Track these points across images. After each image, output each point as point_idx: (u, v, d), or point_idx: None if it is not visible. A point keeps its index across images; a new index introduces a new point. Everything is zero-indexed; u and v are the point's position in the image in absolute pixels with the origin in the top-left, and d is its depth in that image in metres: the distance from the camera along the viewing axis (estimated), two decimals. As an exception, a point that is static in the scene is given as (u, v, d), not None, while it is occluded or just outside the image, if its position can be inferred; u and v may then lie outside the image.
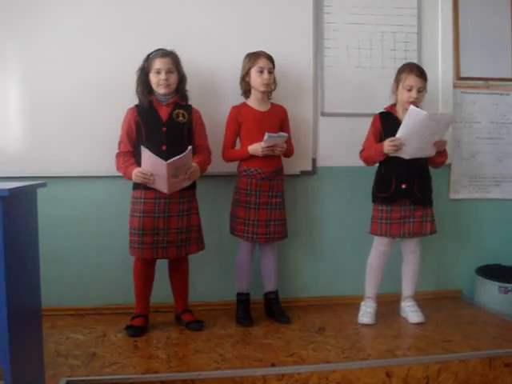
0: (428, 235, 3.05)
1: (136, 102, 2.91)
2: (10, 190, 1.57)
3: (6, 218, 1.59)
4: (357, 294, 3.21)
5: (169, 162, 2.62)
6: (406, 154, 2.88)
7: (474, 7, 3.51)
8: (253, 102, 3.05)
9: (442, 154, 3.00)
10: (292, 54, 3.25)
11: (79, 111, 3.10)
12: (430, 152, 2.92)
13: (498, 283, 3.31)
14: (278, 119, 3.07)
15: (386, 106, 3.09)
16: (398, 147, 2.86)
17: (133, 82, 2.89)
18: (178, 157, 2.63)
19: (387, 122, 3.02)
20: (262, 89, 2.98)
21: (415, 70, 2.97)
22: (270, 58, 2.99)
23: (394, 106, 3.07)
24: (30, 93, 3.09)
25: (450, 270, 3.60)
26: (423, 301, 3.23)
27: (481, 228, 3.61)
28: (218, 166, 3.06)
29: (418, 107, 2.82)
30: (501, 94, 3.57)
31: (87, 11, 3.09)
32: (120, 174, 2.88)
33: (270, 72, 2.98)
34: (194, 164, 2.79)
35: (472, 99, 3.53)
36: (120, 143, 2.89)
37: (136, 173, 2.74)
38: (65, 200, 3.14)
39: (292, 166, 3.21)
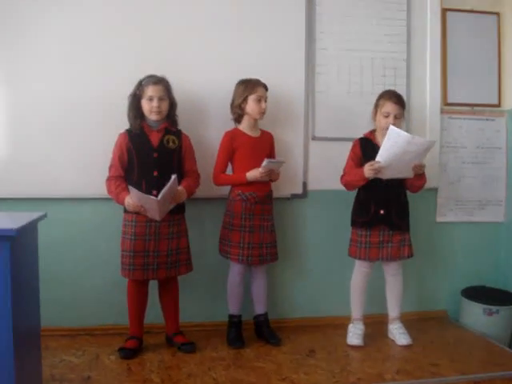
0: (405, 259, 3.12)
1: (127, 125, 2.94)
2: (17, 230, 1.60)
3: (12, 256, 1.62)
4: (345, 314, 3.28)
5: (159, 198, 2.67)
6: (385, 175, 2.94)
7: (462, 34, 3.60)
8: (245, 127, 3.09)
9: (420, 177, 3.04)
10: (284, 78, 3.31)
11: (70, 132, 3.12)
12: (408, 174, 2.97)
13: (482, 305, 3.38)
14: (268, 145, 3.14)
15: (365, 132, 3.16)
16: (378, 170, 2.91)
17: (124, 105, 2.93)
18: (166, 188, 2.67)
19: (366, 148, 3.09)
20: (259, 117, 3.05)
21: (393, 97, 3.04)
22: (266, 88, 3.06)
23: (373, 132, 3.15)
24: (21, 113, 3.09)
25: (435, 291, 3.67)
26: (409, 321, 3.30)
27: (466, 250, 3.69)
28: (205, 189, 3.11)
29: None
30: (486, 120, 3.66)
31: (80, 35, 3.11)
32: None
33: (265, 101, 3.05)
34: (179, 187, 2.83)
35: (458, 124, 3.62)
36: (111, 167, 2.92)
37: (127, 204, 2.81)
38: (56, 221, 3.11)
39: (283, 189, 3.28)
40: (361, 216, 3.10)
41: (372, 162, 2.91)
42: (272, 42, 3.31)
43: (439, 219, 3.63)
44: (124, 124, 2.94)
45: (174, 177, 2.70)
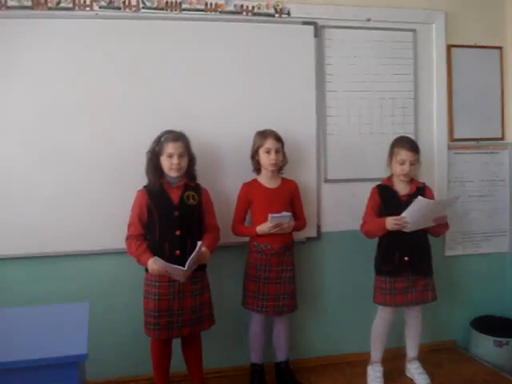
0: (429, 302, 3.19)
1: (144, 181, 2.92)
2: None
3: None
4: (361, 351, 3.38)
5: (186, 268, 2.67)
6: (408, 228, 2.99)
7: (466, 69, 3.64)
8: (263, 178, 3.11)
9: (443, 225, 3.11)
10: (295, 123, 3.32)
11: (88, 190, 3.08)
12: (429, 224, 3.03)
13: (492, 337, 3.49)
14: (288, 195, 3.14)
15: (383, 179, 3.20)
16: (403, 226, 2.96)
17: (140, 161, 2.90)
18: (192, 256, 2.66)
19: (385, 195, 3.13)
20: (270, 168, 3.05)
21: (406, 144, 3.08)
22: (277, 138, 3.05)
23: (390, 178, 3.18)
24: (39, 168, 3.04)
25: (445, 322, 3.76)
26: (422, 353, 3.36)
27: (473, 281, 3.78)
28: (225, 237, 3.11)
29: (419, 192, 3.02)
30: (491, 153, 3.73)
31: (94, 90, 3.07)
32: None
33: (278, 151, 3.04)
34: (203, 248, 2.81)
35: (464, 159, 3.68)
36: (130, 225, 2.89)
37: (152, 269, 2.78)
38: (75, 277, 3.13)
39: (297, 233, 3.28)
40: (385, 264, 3.13)
41: (397, 217, 2.94)
42: (283, 89, 3.31)
43: (448, 253, 3.71)
44: (141, 180, 2.91)
45: (199, 243, 2.70)
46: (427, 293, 3.14)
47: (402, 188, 3.09)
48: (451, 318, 3.77)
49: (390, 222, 2.97)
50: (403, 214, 2.93)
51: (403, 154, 3.05)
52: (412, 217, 2.91)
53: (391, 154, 3.13)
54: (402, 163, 3.05)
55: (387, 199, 3.11)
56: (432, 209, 2.92)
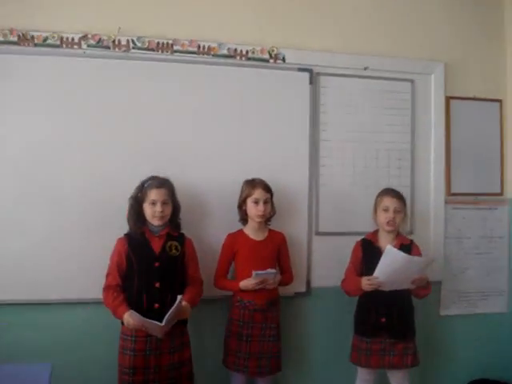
0: (409, 368, 2.99)
1: (125, 229, 2.77)
2: None
3: None
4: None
5: (164, 323, 2.52)
6: (384, 287, 2.84)
7: (465, 122, 3.55)
8: (249, 230, 2.98)
9: (424, 287, 2.94)
10: (288, 173, 3.22)
11: (65, 235, 2.93)
12: (408, 286, 2.88)
13: (488, 405, 3.31)
14: (275, 247, 3.00)
15: (367, 233, 3.08)
16: (376, 286, 2.82)
17: (122, 208, 2.76)
18: (171, 311, 2.52)
19: (368, 251, 3.01)
20: (257, 219, 2.92)
21: (390, 191, 3.01)
22: (266, 188, 2.94)
23: (375, 232, 3.07)
24: (12, 214, 2.90)
25: (438, 384, 3.59)
26: (414, 418, 3.18)
27: (469, 343, 3.59)
28: (208, 290, 2.95)
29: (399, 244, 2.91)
30: (489, 209, 3.60)
31: (73, 134, 2.96)
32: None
33: (266, 202, 2.92)
34: (183, 303, 2.64)
35: (462, 214, 3.55)
36: (108, 275, 2.74)
37: (127, 323, 2.62)
38: (47, 327, 2.95)
39: (286, 287, 3.11)
40: (361, 323, 2.99)
41: (370, 277, 2.82)
42: (275, 136, 3.21)
43: (443, 312, 3.54)
44: (122, 227, 2.77)
45: (179, 298, 2.55)
46: (407, 357, 2.95)
47: (385, 244, 2.90)
48: (445, 380, 3.57)
49: (364, 283, 2.84)
50: (375, 273, 2.81)
51: (387, 201, 2.97)
52: (384, 274, 2.78)
53: (375, 205, 3.04)
54: (386, 209, 2.95)
55: (369, 255, 2.97)
56: (405, 265, 2.75)
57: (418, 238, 3.23)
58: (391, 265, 2.76)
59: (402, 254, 2.74)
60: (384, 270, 2.78)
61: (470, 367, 3.58)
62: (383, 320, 2.91)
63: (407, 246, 2.95)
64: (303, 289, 3.28)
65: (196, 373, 2.86)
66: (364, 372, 3.03)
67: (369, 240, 3.04)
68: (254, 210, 2.90)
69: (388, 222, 2.94)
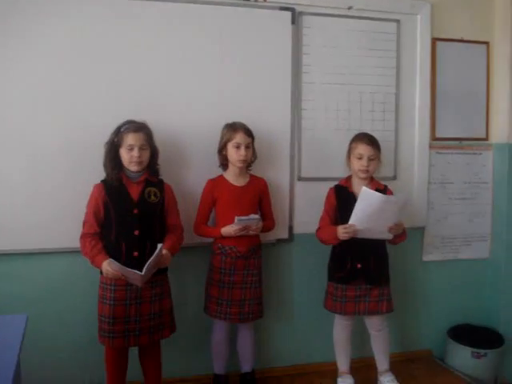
0: (384, 314, 2.98)
1: (102, 175, 2.67)
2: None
3: None
4: (332, 360, 3.15)
5: (144, 272, 2.45)
6: (360, 236, 2.79)
7: (451, 64, 3.45)
8: (230, 175, 2.89)
9: (399, 235, 2.89)
10: (269, 116, 3.10)
11: (39, 181, 2.81)
12: (386, 235, 2.82)
13: (470, 348, 3.32)
14: (256, 193, 2.92)
15: (341, 180, 3.01)
16: (352, 234, 2.76)
17: (99, 153, 2.65)
18: (151, 260, 2.45)
19: (342, 197, 2.95)
20: (239, 164, 2.83)
21: (364, 137, 2.92)
22: (248, 133, 2.83)
23: (349, 178, 3.01)
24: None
25: (420, 330, 3.59)
26: (395, 363, 3.19)
27: (451, 288, 3.60)
28: (189, 237, 2.89)
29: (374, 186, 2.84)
30: (474, 154, 3.54)
31: (50, 77, 2.79)
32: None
33: (248, 147, 2.82)
34: (164, 251, 2.58)
35: (446, 159, 3.49)
36: (85, 223, 2.65)
37: (106, 272, 2.55)
38: (23, 278, 2.86)
39: (268, 234, 3.06)
40: (337, 271, 2.97)
41: (346, 226, 2.75)
42: (256, 78, 3.08)
43: (425, 258, 3.52)
44: (99, 173, 2.66)
45: (159, 246, 2.47)
46: (382, 303, 2.94)
47: (359, 189, 2.79)
48: (427, 326, 3.59)
49: (340, 232, 2.78)
50: (351, 219, 2.74)
51: (361, 148, 2.88)
52: (360, 219, 2.72)
53: (349, 150, 2.96)
54: (360, 157, 2.87)
55: (344, 201, 2.91)
56: (381, 207, 2.67)
57: (401, 183, 3.20)
58: (366, 209, 2.69)
59: (377, 194, 2.67)
60: (360, 215, 2.71)
61: (452, 313, 3.60)
62: (359, 266, 2.89)
63: (382, 192, 2.85)
64: (285, 235, 3.22)
65: (177, 321, 2.83)
66: (342, 317, 3.03)
67: (343, 186, 2.97)
68: (235, 154, 2.80)
69: (362, 171, 2.88)
